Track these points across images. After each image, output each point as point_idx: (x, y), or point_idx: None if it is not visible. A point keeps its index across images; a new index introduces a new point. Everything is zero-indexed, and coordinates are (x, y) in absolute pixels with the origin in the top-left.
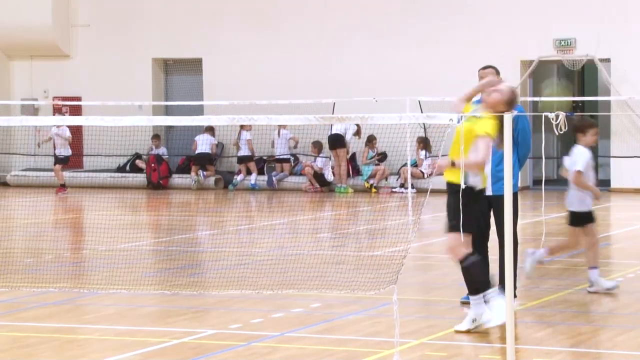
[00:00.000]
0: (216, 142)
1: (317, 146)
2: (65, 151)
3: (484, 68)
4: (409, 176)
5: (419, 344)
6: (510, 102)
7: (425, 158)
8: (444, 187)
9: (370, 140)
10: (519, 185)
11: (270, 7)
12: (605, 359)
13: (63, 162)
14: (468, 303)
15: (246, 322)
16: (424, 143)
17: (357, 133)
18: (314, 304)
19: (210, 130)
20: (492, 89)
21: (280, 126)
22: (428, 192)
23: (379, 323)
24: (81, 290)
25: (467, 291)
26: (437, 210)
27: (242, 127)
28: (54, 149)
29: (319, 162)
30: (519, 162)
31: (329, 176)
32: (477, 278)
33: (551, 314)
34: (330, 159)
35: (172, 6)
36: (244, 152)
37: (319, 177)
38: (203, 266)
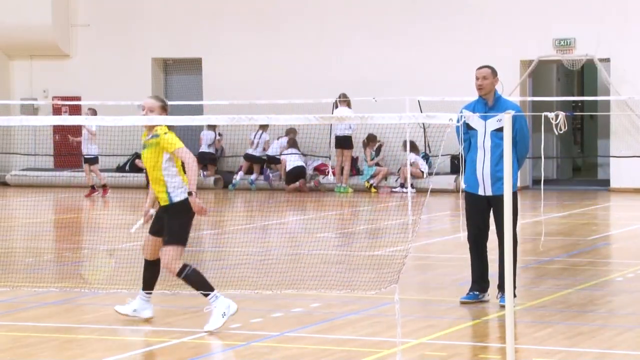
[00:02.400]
0: (219, 137)
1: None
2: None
3: (480, 68)
4: (408, 176)
5: (418, 343)
6: (163, 107)
7: (423, 159)
8: (444, 187)
9: (372, 140)
10: (518, 185)
11: (270, 7)
12: (605, 358)
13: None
14: (468, 302)
15: (246, 321)
16: (412, 147)
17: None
18: (313, 304)
19: (211, 127)
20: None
21: (262, 127)
22: (428, 192)
23: (379, 323)
24: (81, 290)
25: (466, 291)
26: (437, 210)
27: (261, 127)
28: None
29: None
30: (517, 162)
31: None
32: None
33: (551, 313)
34: (329, 158)
35: (172, 6)
36: (257, 152)
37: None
38: (203, 266)
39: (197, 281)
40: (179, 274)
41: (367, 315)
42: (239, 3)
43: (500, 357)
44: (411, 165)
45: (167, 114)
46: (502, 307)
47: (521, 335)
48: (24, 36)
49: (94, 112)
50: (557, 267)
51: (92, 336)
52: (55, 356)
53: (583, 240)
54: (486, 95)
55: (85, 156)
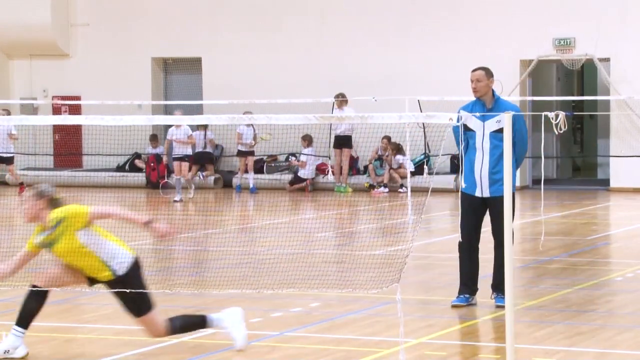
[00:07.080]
0: (211, 137)
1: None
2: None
3: (474, 70)
4: (408, 176)
5: (417, 343)
6: None
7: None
8: (444, 186)
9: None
10: (517, 185)
11: (270, 6)
12: (604, 358)
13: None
14: (460, 306)
15: (245, 321)
16: (397, 149)
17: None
18: (313, 304)
19: (202, 127)
20: None
21: (200, 126)
22: (429, 192)
23: (378, 323)
24: (80, 290)
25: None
26: (437, 210)
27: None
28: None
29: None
30: (516, 162)
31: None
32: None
33: (550, 313)
34: (329, 157)
35: (172, 6)
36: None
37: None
38: (202, 265)
39: (186, 324)
40: (171, 334)
41: (366, 314)
42: (238, 3)
43: (500, 357)
44: (399, 167)
45: None
46: (498, 307)
47: (521, 335)
48: (23, 36)
49: (7, 112)
50: (556, 267)
51: (91, 336)
52: (55, 356)
53: (583, 240)
54: (483, 97)
55: (3, 155)
